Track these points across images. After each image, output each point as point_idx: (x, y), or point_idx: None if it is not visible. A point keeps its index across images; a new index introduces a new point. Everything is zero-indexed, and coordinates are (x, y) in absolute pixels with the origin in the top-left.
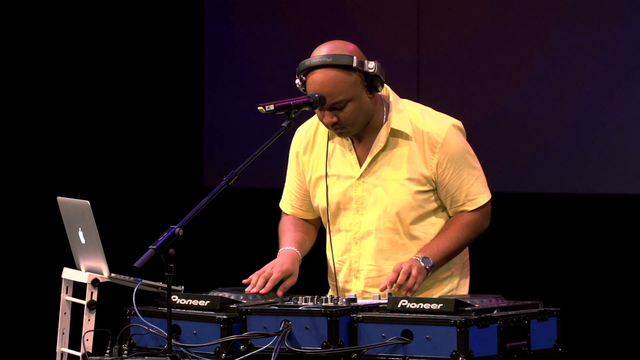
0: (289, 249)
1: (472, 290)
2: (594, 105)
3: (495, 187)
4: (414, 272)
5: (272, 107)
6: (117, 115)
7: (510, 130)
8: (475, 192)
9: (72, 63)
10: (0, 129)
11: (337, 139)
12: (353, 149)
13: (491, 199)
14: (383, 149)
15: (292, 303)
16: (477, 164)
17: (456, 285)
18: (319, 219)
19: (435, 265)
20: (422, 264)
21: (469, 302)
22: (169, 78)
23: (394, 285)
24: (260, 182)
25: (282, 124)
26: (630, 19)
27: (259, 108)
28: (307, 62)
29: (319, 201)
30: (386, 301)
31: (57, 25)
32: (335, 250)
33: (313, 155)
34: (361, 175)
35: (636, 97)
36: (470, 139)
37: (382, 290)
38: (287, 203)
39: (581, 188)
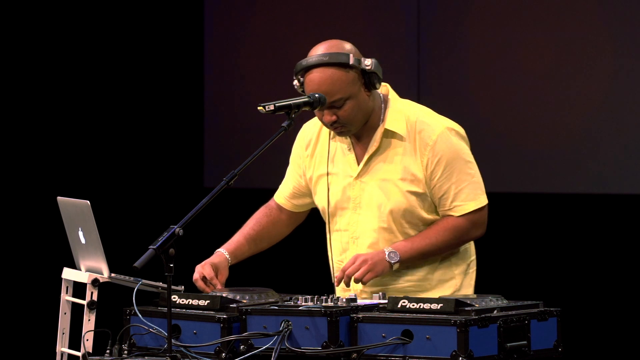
0: (221, 252)
1: (474, 291)
2: (594, 105)
3: (496, 187)
4: (367, 265)
5: (272, 107)
6: (117, 115)
7: (511, 130)
8: (463, 198)
9: (72, 63)
10: (0, 129)
11: (338, 137)
12: (352, 148)
13: (487, 208)
14: (378, 149)
15: (292, 303)
16: (472, 170)
17: (459, 287)
18: (306, 213)
19: (403, 261)
20: (387, 258)
21: (469, 302)
22: (169, 78)
23: (345, 273)
24: (260, 182)
25: (282, 124)
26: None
27: (259, 108)
28: (304, 62)
29: (320, 199)
30: (386, 301)
31: (57, 25)
32: (335, 250)
33: (315, 153)
34: (358, 175)
35: (636, 97)
36: (470, 139)
37: (337, 279)
38: (280, 193)
39: (581, 188)
